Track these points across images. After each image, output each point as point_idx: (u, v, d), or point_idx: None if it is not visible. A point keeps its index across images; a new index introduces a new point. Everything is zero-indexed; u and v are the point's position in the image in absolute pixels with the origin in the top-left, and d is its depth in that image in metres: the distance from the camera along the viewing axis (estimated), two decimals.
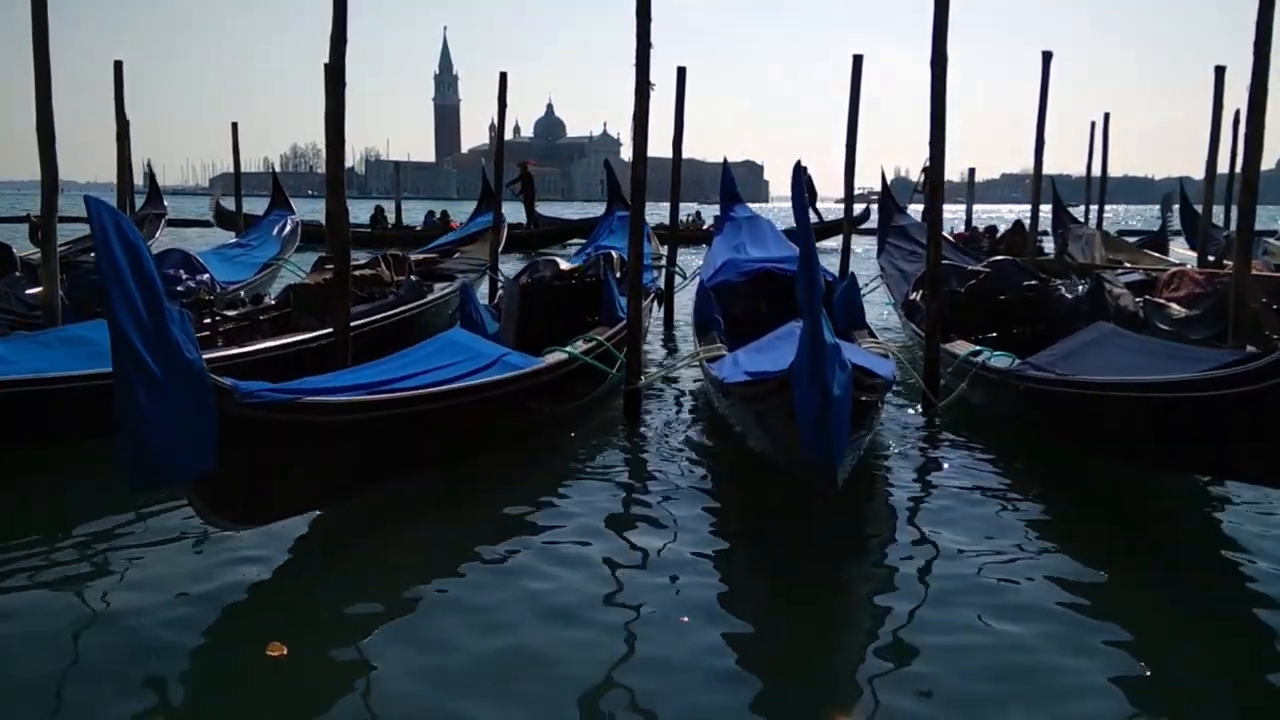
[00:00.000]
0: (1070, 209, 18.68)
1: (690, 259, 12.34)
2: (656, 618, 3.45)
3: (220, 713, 2.91)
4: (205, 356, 3.33)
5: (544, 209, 32.75)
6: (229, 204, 25.03)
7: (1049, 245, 15.64)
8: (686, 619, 3.43)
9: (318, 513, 4.27)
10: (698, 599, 3.60)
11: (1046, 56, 11.70)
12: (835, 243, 16.15)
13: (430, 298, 8.87)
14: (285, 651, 3.15)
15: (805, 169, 3.94)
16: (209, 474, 3.28)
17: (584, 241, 14.73)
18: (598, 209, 24.02)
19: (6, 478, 4.85)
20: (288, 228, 13.40)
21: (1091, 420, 4.76)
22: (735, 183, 10.48)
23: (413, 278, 9.19)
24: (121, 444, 3.06)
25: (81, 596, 3.58)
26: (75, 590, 3.62)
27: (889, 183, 15.84)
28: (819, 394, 3.44)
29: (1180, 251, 17.16)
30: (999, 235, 18.04)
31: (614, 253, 8.96)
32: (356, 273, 8.09)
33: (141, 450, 3.07)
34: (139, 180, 18.60)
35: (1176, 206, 19.76)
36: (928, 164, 22.68)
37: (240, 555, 3.88)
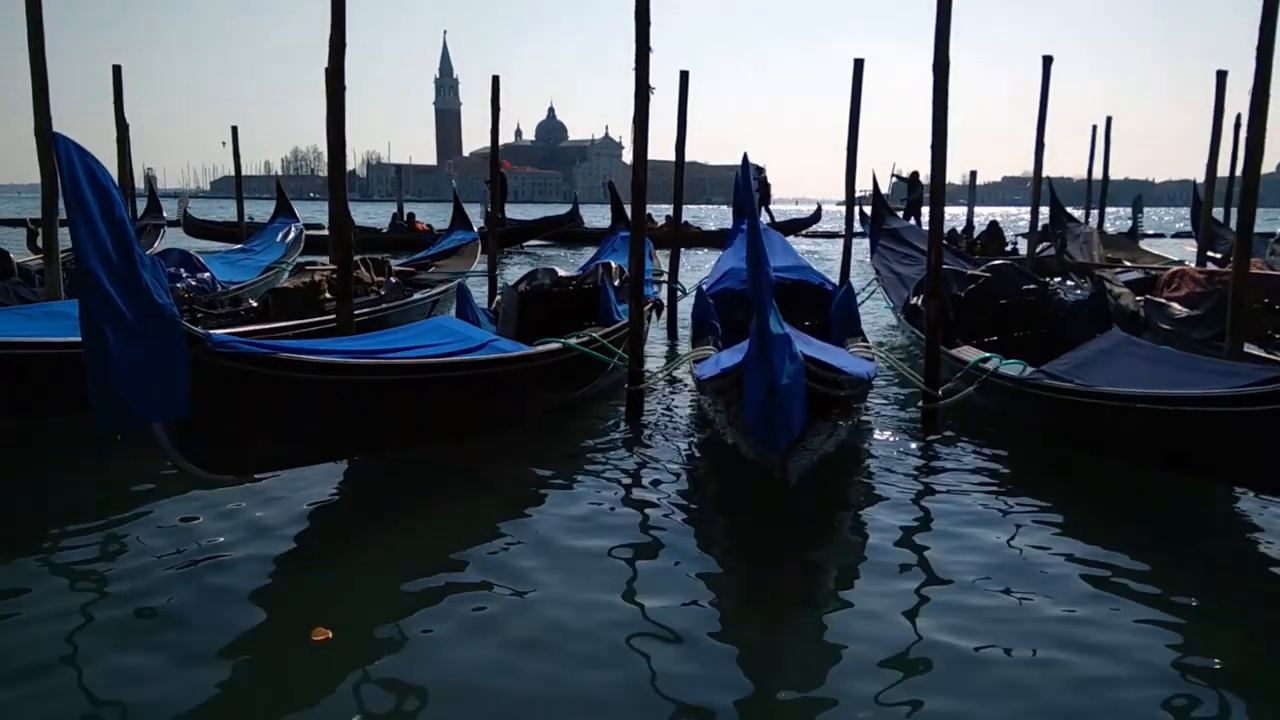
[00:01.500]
0: (1070, 211, 18.80)
1: (692, 259, 12.31)
2: (653, 618, 3.43)
3: (269, 698, 2.90)
4: None
5: (544, 211, 32.85)
6: (197, 212, 24.79)
7: (1024, 248, 15.61)
8: (688, 620, 3.40)
9: (327, 505, 4.27)
10: (694, 601, 3.58)
11: (1047, 61, 11.71)
12: (834, 248, 16.18)
13: (413, 298, 9.26)
14: (330, 635, 3.15)
15: (747, 157, 4.18)
16: (181, 420, 3.31)
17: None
18: (596, 211, 24.14)
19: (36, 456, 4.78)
20: (291, 234, 13.81)
21: (1120, 430, 4.78)
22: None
23: (393, 279, 9.60)
24: (91, 386, 3.06)
25: (106, 594, 3.56)
26: (101, 586, 3.61)
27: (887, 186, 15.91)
28: (765, 382, 3.59)
29: (1188, 249, 17.41)
30: (975, 236, 18.18)
31: (613, 263, 8.99)
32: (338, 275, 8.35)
33: (110, 392, 3.07)
34: (139, 184, 18.61)
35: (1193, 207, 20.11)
36: (897, 167, 22.88)
37: (239, 553, 3.89)
